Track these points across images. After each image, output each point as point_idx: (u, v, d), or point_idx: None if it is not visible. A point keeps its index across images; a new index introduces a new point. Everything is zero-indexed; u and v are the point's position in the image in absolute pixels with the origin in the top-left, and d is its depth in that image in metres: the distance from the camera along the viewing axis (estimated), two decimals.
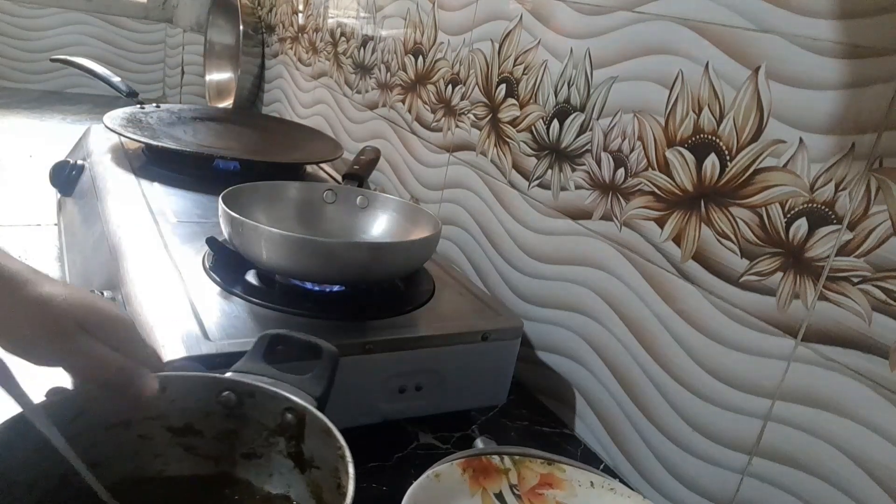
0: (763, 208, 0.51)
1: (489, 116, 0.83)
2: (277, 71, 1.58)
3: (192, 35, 1.87)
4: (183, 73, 1.90)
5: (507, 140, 0.80)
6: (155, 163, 0.93)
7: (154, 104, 1.10)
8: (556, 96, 0.72)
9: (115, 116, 0.98)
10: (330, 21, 1.31)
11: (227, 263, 0.63)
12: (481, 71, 0.84)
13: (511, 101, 0.79)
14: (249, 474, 0.45)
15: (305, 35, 1.42)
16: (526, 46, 0.76)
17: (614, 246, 0.65)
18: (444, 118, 0.93)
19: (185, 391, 0.43)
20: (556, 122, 0.72)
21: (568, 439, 0.68)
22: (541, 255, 0.75)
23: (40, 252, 0.90)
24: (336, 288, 0.63)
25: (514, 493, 0.50)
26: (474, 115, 0.86)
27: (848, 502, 0.46)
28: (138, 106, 1.07)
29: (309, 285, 0.63)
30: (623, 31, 0.64)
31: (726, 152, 0.54)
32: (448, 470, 0.48)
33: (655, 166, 0.61)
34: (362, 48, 1.17)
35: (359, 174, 0.87)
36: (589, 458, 0.65)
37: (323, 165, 1.08)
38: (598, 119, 0.67)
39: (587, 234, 0.68)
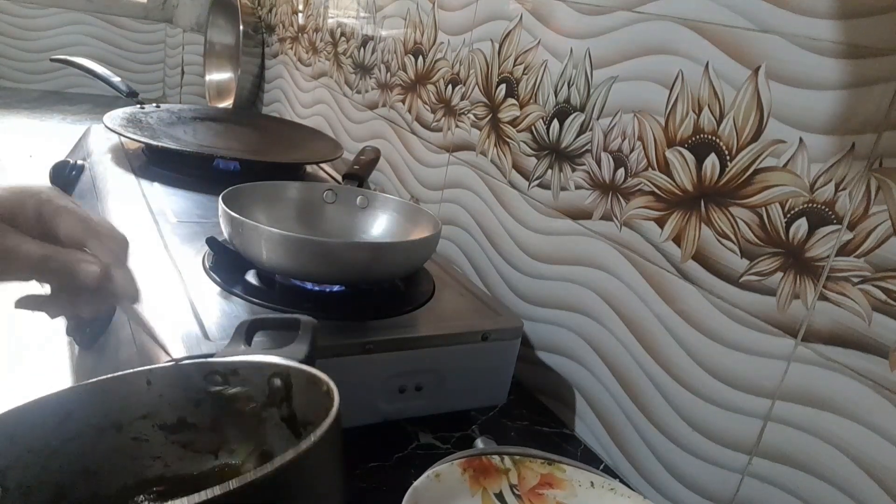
0: (763, 208, 0.51)
1: (489, 116, 0.83)
2: (277, 71, 1.58)
3: (192, 35, 1.87)
4: (183, 73, 1.90)
5: (507, 140, 0.80)
6: (155, 163, 0.93)
7: (154, 104, 1.10)
8: (556, 96, 0.72)
9: (115, 116, 0.98)
10: (330, 21, 1.31)
11: (227, 263, 0.63)
12: (481, 71, 0.84)
13: (511, 101, 0.79)
14: (252, 461, 0.44)
15: (305, 35, 1.42)
16: (526, 46, 0.76)
17: (614, 246, 0.65)
18: (444, 118, 0.93)
19: (170, 383, 0.43)
20: (556, 122, 0.72)
21: (568, 439, 0.68)
22: (541, 255, 0.75)
23: None
24: (336, 288, 0.63)
25: (514, 493, 0.50)
26: (474, 115, 0.86)
27: (848, 502, 0.46)
28: (138, 106, 1.07)
29: (309, 285, 0.63)
30: (623, 31, 0.64)
31: (726, 152, 0.54)
32: (448, 470, 0.48)
33: (655, 166, 0.61)
34: (362, 48, 1.17)
35: (359, 174, 0.87)
36: (589, 458, 0.65)
37: (323, 165, 1.08)
38: (598, 119, 0.67)
39: (587, 234, 0.68)
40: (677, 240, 0.59)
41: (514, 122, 0.79)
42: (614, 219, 0.65)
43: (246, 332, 0.47)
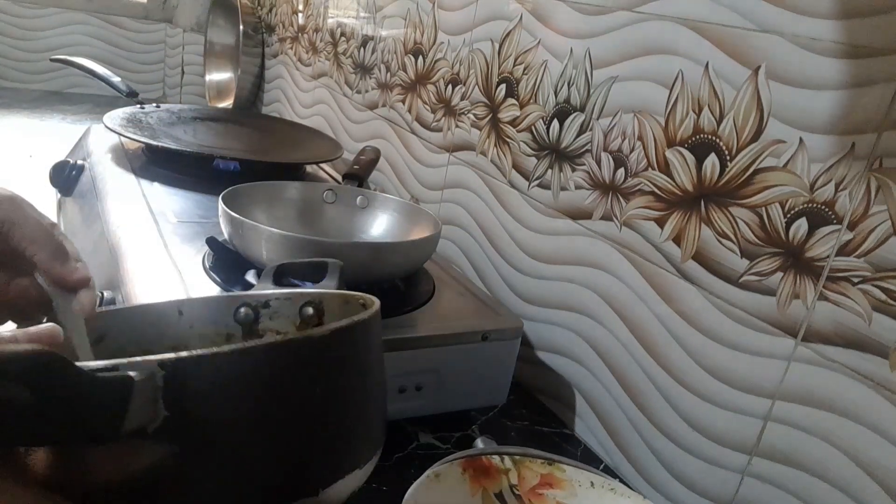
0: (763, 208, 0.51)
1: (489, 116, 0.83)
2: (277, 71, 1.58)
3: (192, 35, 1.87)
4: (183, 73, 1.90)
5: (507, 140, 0.80)
6: (155, 163, 0.93)
7: (154, 104, 1.10)
8: (556, 96, 0.72)
9: (115, 116, 0.98)
10: (330, 21, 1.31)
11: (227, 263, 0.63)
12: (481, 71, 0.84)
13: (511, 101, 0.79)
14: None
15: (305, 35, 1.42)
16: (526, 46, 0.76)
17: (614, 246, 0.65)
18: (444, 118, 0.93)
19: (201, 315, 0.43)
20: (556, 122, 0.72)
21: (568, 439, 0.68)
22: (541, 255, 0.75)
23: None
24: None
25: (514, 493, 0.50)
26: (474, 115, 0.86)
27: (848, 502, 0.46)
28: (138, 106, 1.07)
29: (309, 285, 0.63)
30: (623, 31, 0.64)
31: (726, 152, 0.54)
32: (448, 470, 0.48)
33: (655, 166, 0.61)
34: (362, 48, 1.17)
35: (359, 174, 0.87)
36: (589, 458, 0.65)
37: (323, 165, 1.08)
38: (598, 119, 0.67)
39: (587, 234, 0.68)
40: (677, 240, 0.59)
41: (514, 122, 0.79)
42: (614, 219, 0.65)
43: (273, 276, 0.47)
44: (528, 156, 0.76)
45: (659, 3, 0.60)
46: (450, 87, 0.91)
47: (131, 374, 0.24)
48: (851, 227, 0.46)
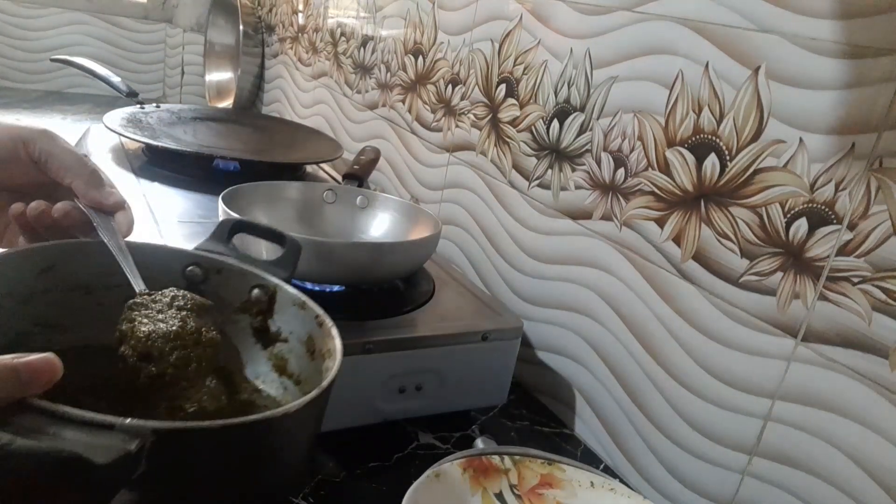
0: (763, 208, 0.51)
1: (489, 116, 0.83)
2: (277, 71, 1.58)
3: (192, 35, 1.87)
4: (183, 73, 1.90)
5: (507, 140, 0.80)
6: (155, 163, 0.93)
7: (154, 104, 1.10)
8: (556, 96, 0.72)
9: (115, 116, 0.98)
10: (330, 21, 1.31)
11: None
12: (481, 71, 0.84)
13: (511, 101, 0.79)
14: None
15: (305, 35, 1.42)
16: (526, 46, 0.76)
17: (614, 246, 0.65)
18: (444, 118, 0.93)
19: (151, 262, 0.43)
20: (556, 122, 0.72)
21: (568, 439, 0.68)
22: (541, 255, 0.75)
23: None
24: (336, 288, 0.63)
25: (514, 493, 0.50)
26: (474, 115, 0.86)
27: (848, 502, 0.46)
28: (138, 106, 1.07)
29: (309, 285, 0.63)
30: (623, 31, 0.64)
31: (726, 152, 0.54)
32: (448, 470, 0.48)
33: (655, 166, 0.61)
34: (362, 48, 1.17)
35: (359, 174, 0.87)
36: (589, 458, 0.65)
37: (323, 165, 1.08)
38: (598, 119, 0.67)
39: (587, 234, 0.68)
40: (677, 240, 0.59)
41: (514, 122, 0.79)
42: (614, 219, 0.65)
43: (229, 231, 0.47)
44: (528, 156, 0.77)
45: (659, 3, 0.60)
46: (450, 87, 0.91)
47: (129, 447, 0.26)
48: (851, 227, 0.46)
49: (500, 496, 0.49)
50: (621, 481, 0.56)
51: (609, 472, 0.64)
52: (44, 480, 0.24)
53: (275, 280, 0.45)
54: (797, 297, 0.49)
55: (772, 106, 0.51)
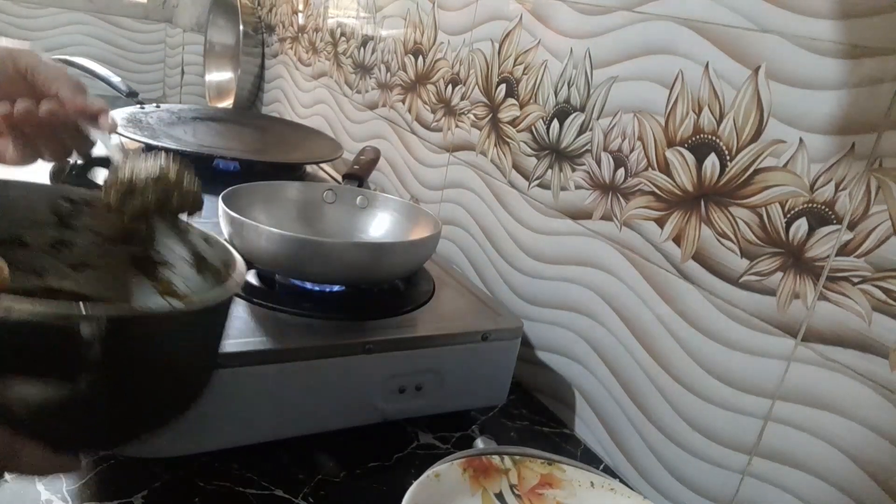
0: (763, 208, 0.51)
1: (489, 116, 0.83)
2: (277, 71, 1.58)
3: (192, 35, 1.87)
4: (183, 73, 1.90)
5: (507, 140, 0.80)
6: None
7: (154, 104, 1.10)
8: (556, 96, 0.72)
9: (115, 116, 0.97)
10: (330, 21, 1.31)
11: None
12: (481, 71, 0.84)
13: (511, 101, 0.79)
14: (80, 286, 0.44)
15: (305, 35, 1.42)
16: (526, 46, 0.76)
17: (614, 246, 0.65)
18: (444, 118, 0.93)
19: (17, 197, 0.43)
20: (556, 122, 0.72)
21: (568, 439, 0.68)
22: (541, 255, 0.75)
23: None
24: (336, 288, 0.63)
25: (514, 493, 0.50)
26: (474, 115, 0.86)
27: (848, 502, 0.46)
28: (138, 106, 1.07)
29: (309, 285, 0.63)
30: (623, 31, 0.64)
31: (726, 152, 0.54)
32: (448, 470, 0.48)
33: (655, 166, 0.61)
34: (362, 48, 1.17)
35: (359, 174, 0.87)
36: (589, 458, 0.65)
37: (323, 165, 1.08)
38: (598, 119, 0.67)
39: (587, 234, 0.68)
40: (677, 240, 0.59)
41: (514, 122, 0.79)
42: (614, 219, 0.65)
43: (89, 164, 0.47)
44: (528, 156, 0.76)
45: (659, 3, 0.60)
46: (450, 87, 0.91)
47: (84, 324, 0.28)
48: (851, 227, 0.46)
49: (500, 496, 0.49)
50: (621, 481, 0.56)
51: (609, 472, 0.64)
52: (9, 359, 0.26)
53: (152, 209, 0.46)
54: (797, 297, 0.49)
55: (772, 106, 0.51)
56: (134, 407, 0.33)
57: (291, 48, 1.50)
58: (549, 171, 0.73)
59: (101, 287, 0.45)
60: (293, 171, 1.01)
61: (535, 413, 0.71)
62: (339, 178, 0.92)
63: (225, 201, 0.62)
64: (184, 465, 0.52)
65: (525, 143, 0.77)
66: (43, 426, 0.30)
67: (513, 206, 0.79)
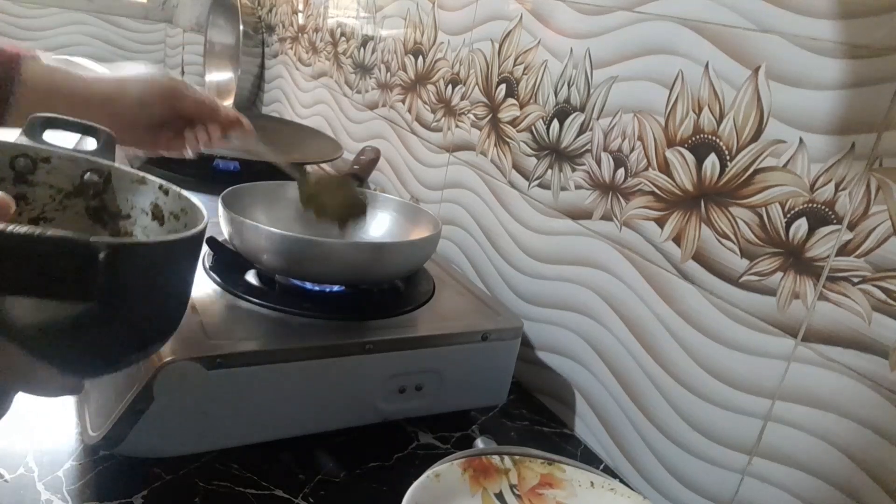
0: (763, 208, 0.51)
1: (489, 116, 0.83)
2: (277, 71, 1.58)
3: (192, 35, 1.87)
4: (183, 73, 1.90)
5: (507, 140, 0.80)
6: (155, 163, 0.93)
7: None
8: (556, 96, 0.72)
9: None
10: (330, 21, 1.31)
11: (227, 263, 0.63)
12: (481, 71, 0.84)
13: (511, 101, 0.79)
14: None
15: (305, 35, 1.42)
16: (526, 46, 0.76)
17: (614, 246, 0.65)
18: (444, 118, 0.93)
19: None
20: (556, 122, 0.72)
21: (568, 439, 0.68)
22: (541, 255, 0.75)
23: None
24: (336, 288, 0.63)
25: (514, 493, 0.50)
26: (474, 115, 0.86)
27: (848, 502, 0.46)
28: None
29: (309, 285, 0.63)
30: (623, 31, 0.64)
31: (726, 152, 0.54)
32: (448, 470, 0.48)
33: (655, 166, 0.61)
34: (362, 48, 1.17)
35: (359, 174, 0.87)
36: (589, 458, 0.65)
37: (323, 165, 1.08)
38: (598, 119, 0.67)
39: (587, 234, 0.68)
40: (677, 240, 0.59)
41: (514, 122, 0.79)
42: (614, 219, 0.65)
43: (39, 127, 0.48)
44: (528, 156, 0.76)
45: (659, 3, 0.60)
46: (450, 87, 0.91)
47: (96, 244, 0.31)
48: (851, 227, 0.46)
49: (500, 496, 0.49)
50: (621, 481, 0.56)
51: (609, 472, 0.64)
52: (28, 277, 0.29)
53: (107, 162, 0.47)
54: (797, 297, 0.49)
55: (772, 106, 0.51)
56: (126, 330, 0.37)
57: (291, 48, 1.50)
58: (549, 171, 0.73)
59: None
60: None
61: (535, 413, 0.71)
62: None
63: (225, 201, 0.62)
64: (184, 465, 0.52)
65: (525, 143, 0.77)
66: (50, 346, 0.33)
67: (513, 206, 0.79)
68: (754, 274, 0.52)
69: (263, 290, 0.61)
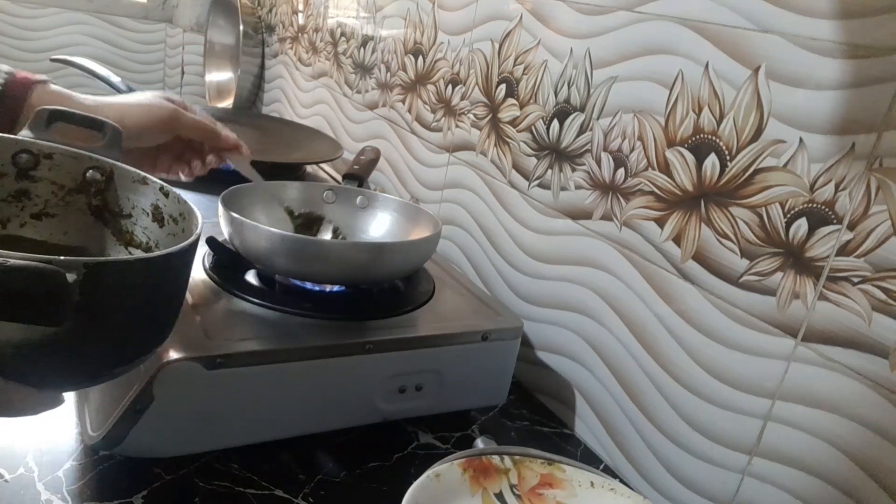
0: (763, 208, 0.51)
1: (489, 116, 0.83)
2: (277, 71, 1.58)
3: (192, 35, 1.87)
4: (183, 73, 1.90)
5: (507, 140, 0.80)
6: None
7: None
8: (556, 96, 0.72)
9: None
10: (330, 21, 1.31)
11: (227, 263, 0.63)
12: (481, 71, 0.84)
13: (511, 101, 0.79)
14: (40, 234, 0.47)
15: (305, 35, 1.42)
16: (526, 46, 0.76)
17: (614, 246, 0.65)
18: (444, 118, 0.93)
19: None
20: (556, 122, 0.72)
21: (568, 439, 0.68)
22: (541, 255, 0.75)
23: None
24: (336, 288, 0.63)
25: (514, 493, 0.50)
26: (474, 115, 0.86)
27: (848, 502, 0.46)
28: None
29: (309, 285, 0.63)
30: (623, 31, 0.64)
31: (726, 152, 0.54)
32: (448, 470, 0.48)
33: (655, 166, 0.61)
34: (362, 48, 1.17)
35: (359, 174, 0.87)
36: (589, 458, 0.65)
37: (323, 165, 1.08)
38: (598, 119, 0.67)
39: (587, 234, 0.68)
40: (677, 240, 0.59)
41: (514, 122, 0.79)
42: (614, 219, 0.65)
43: (46, 120, 0.48)
44: (528, 156, 0.77)
45: (659, 3, 0.60)
46: (450, 87, 0.91)
47: (66, 273, 0.30)
48: (851, 227, 0.46)
49: (500, 496, 0.49)
50: (621, 481, 0.56)
51: (609, 472, 0.64)
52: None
53: (110, 160, 0.48)
54: (797, 297, 0.49)
55: (772, 106, 0.51)
56: (106, 346, 0.36)
57: (291, 48, 1.50)
58: (549, 171, 0.73)
59: (62, 235, 0.48)
60: (293, 171, 1.01)
61: (535, 413, 0.71)
62: (339, 178, 0.92)
63: (225, 201, 0.62)
64: (184, 465, 0.52)
65: (525, 143, 0.77)
66: (26, 365, 0.33)
67: (513, 206, 0.79)
68: (754, 274, 0.52)
69: (263, 290, 0.61)
